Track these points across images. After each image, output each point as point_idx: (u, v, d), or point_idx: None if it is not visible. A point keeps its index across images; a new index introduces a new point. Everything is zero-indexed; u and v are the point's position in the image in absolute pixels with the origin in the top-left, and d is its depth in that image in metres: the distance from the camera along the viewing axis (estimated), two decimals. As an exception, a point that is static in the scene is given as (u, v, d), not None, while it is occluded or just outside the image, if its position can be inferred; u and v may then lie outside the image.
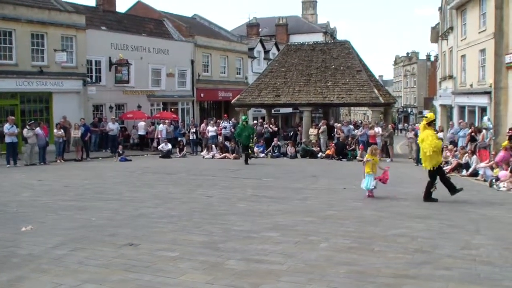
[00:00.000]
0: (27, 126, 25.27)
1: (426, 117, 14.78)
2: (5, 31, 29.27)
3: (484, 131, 24.19)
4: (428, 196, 13.94)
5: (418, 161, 25.17)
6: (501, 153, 19.69)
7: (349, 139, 30.53)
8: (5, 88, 29.26)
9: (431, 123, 14.60)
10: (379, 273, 7.03)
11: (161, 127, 33.23)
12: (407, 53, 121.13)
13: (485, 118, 26.50)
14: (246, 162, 25.10)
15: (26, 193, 15.35)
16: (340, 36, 79.17)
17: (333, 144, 30.17)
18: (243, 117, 27.39)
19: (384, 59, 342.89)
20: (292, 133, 35.74)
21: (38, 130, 25.36)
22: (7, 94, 29.86)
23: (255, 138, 31.52)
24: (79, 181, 18.39)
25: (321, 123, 33.43)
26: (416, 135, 27.66)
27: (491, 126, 25.12)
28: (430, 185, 14.01)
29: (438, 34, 44.44)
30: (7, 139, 24.57)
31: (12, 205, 13.05)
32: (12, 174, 21.00)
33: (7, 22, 29.23)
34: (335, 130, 31.92)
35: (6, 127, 24.71)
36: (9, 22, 29.33)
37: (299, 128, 35.41)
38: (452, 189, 13.91)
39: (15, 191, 15.73)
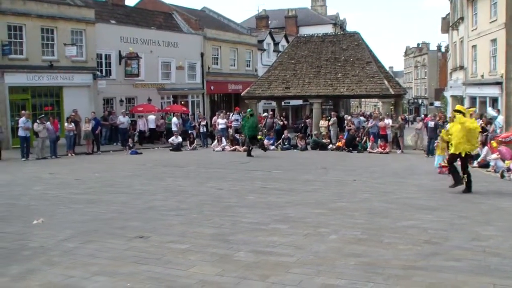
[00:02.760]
0: (38, 120, 25.37)
1: (459, 111, 14.37)
2: (15, 26, 29.40)
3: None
4: (468, 187, 13.78)
5: (429, 152, 25.16)
6: (504, 150, 19.47)
7: (360, 130, 30.46)
8: (16, 82, 29.45)
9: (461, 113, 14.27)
10: (388, 265, 7.04)
11: (174, 119, 33.37)
12: (418, 44, 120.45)
13: (489, 109, 26.35)
14: (248, 154, 25.09)
15: (38, 186, 15.47)
16: (349, 28, 78.80)
17: (342, 136, 30.12)
18: (248, 110, 27.55)
19: (394, 50, 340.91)
20: (302, 125, 35.69)
21: (48, 124, 25.49)
22: (18, 89, 30.03)
23: (265, 130, 31.52)
24: (89, 174, 18.51)
25: (331, 115, 33.37)
26: (426, 126, 27.60)
27: (495, 114, 24.90)
28: (466, 173, 13.82)
29: (449, 25, 44.20)
30: (21, 133, 24.79)
31: (24, 198, 13.17)
32: (24, 168, 21.17)
33: (17, 17, 29.37)
34: (346, 122, 31.85)
35: (22, 121, 24.92)
36: (20, 17, 29.47)
37: (309, 120, 35.35)
38: (456, 182, 13.79)
39: (27, 185, 15.86)
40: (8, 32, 29.08)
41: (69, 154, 26.69)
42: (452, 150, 13.94)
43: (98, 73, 34.10)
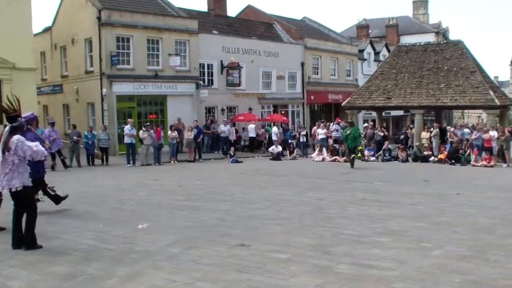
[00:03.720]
0: (143, 128, 26.28)
1: None
2: (123, 38, 30.76)
3: None
4: None
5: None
6: None
7: (463, 143, 29.54)
8: (123, 91, 30.81)
9: None
10: (496, 284, 6.77)
11: (274, 129, 33.78)
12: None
13: None
14: (352, 165, 24.68)
15: (142, 192, 15.98)
16: (452, 36, 76.60)
17: (444, 148, 29.28)
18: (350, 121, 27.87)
19: (500, 59, 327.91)
20: (403, 136, 35.05)
21: (152, 132, 26.30)
22: (125, 97, 31.36)
23: (365, 141, 31.16)
24: (192, 181, 18.91)
25: (433, 126, 32.58)
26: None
27: None
28: None
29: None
30: (127, 140, 25.87)
31: (130, 203, 13.66)
32: (130, 174, 21.98)
33: (125, 29, 30.75)
34: (448, 133, 30.98)
35: (127, 128, 26.11)
36: (127, 29, 30.84)
37: (410, 131, 34.66)
38: None
39: (132, 190, 16.44)
40: (117, 43, 30.47)
41: (172, 161, 27.45)
42: None
43: (201, 82, 34.95)
